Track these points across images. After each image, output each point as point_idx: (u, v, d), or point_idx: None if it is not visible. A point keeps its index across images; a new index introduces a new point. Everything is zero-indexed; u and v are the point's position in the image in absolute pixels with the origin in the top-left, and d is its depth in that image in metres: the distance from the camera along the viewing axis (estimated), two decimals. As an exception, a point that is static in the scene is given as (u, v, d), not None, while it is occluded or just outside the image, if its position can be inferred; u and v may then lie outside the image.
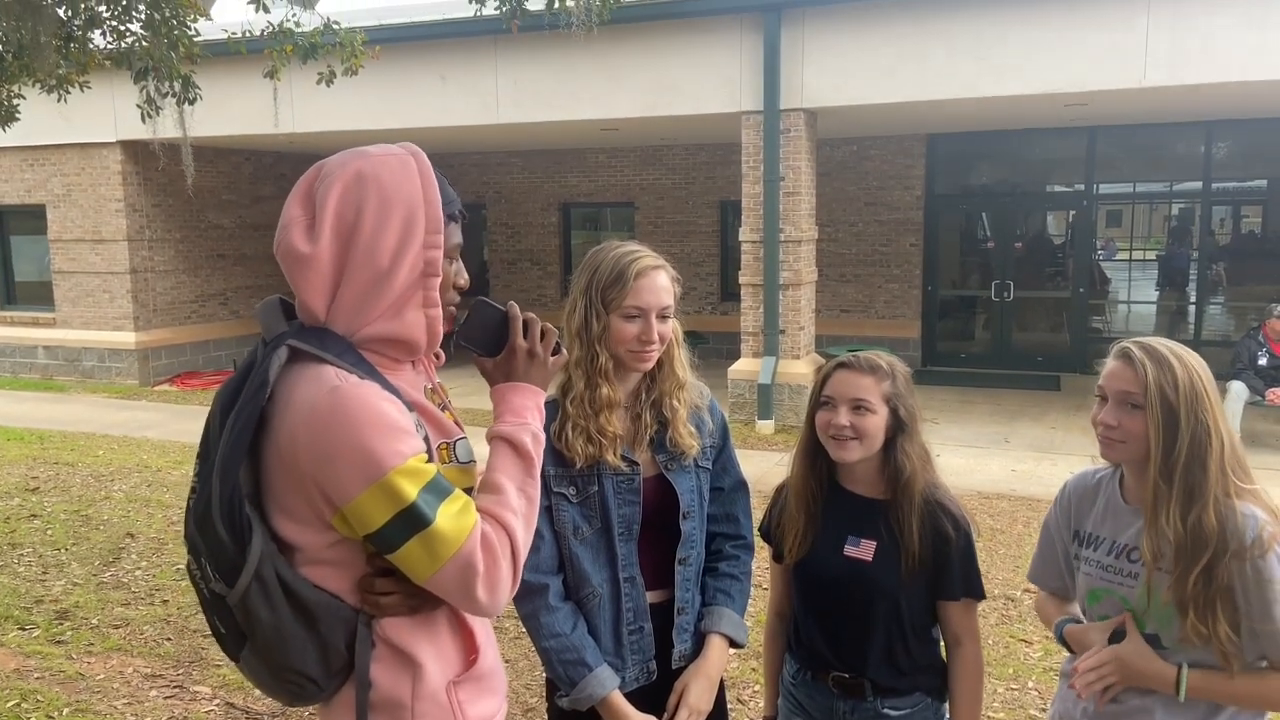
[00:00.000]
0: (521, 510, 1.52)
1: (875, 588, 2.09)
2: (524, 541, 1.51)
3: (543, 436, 1.61)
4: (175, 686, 4.21)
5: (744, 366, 9.86)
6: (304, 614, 1.44)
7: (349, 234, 1.46)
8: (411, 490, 1.39)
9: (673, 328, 2.12)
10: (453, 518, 1.42)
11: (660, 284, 2.05)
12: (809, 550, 2.17)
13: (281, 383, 1.44)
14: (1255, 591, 1.73)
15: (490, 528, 1.47)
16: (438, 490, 1.43)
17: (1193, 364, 1.83)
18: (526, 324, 1.62)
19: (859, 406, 2.07)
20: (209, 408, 1.53)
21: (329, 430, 1.38)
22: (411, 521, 1.39)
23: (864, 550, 2.11)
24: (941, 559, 2.08)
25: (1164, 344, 1.86)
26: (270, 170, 14.30)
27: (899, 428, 2.10)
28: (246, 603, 1.42)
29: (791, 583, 2.26)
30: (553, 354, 1.65)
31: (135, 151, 12.38)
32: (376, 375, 1.48)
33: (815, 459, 2.18)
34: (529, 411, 1.60)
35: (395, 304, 1.49)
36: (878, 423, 2.08)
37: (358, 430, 1.38)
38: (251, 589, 1.41)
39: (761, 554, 2.51)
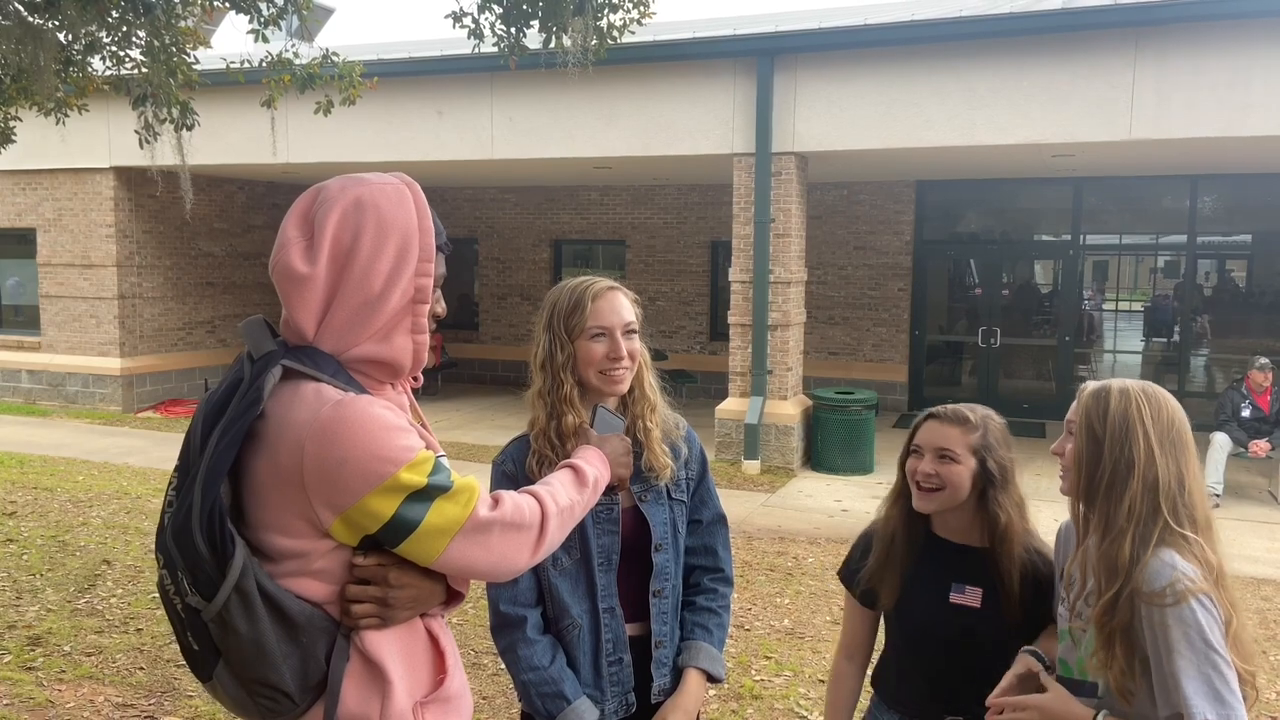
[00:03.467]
0: (561, 501, 1.64)
1: (984, 634, 2.09)
2: (554, 524, 1.62)
3: (604, 481, 1.80)
4: (147, 716, 4.14)
5: (731, 406, 9.86)
6: (287, 625, 1.45)
7: (345, 258, 1.51)
8: (420, 477, 1.47)
9: (640, 351, 2.13)
10: (462, 480, 1.53)
11: (619, 303, 2.09)
12: (909, 596, 2.18)
13: (274, 401, 1.47)
14: (1162, 639, 1.68)
15: (523, 499, 1.59)
16: (444, 469, 1.52)
17: (1140, 398, 1.79)
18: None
19: (944, 456, 2.11)
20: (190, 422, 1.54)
21: (338, 437, 1.42)
22: (428, 493, 1.47)
23: (970, 597, 2.13)
24: (1043, 608, 2.09)
25: (1121, 381, 1.85)
26: (263, 200, 14.34)
27: (988, 479, 2.12)
28: (225, 616, 1.42)
29: (892, 631, 2.26)
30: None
31: (128, 177, 12.40)
32: (367, 393, 1.53)
33: (905, 503, 2.22)
34: (595, 459, 1.81)
35: (384, 328, 1.54)
36: (962, 473, 2.11)
37: (369, 434, 1.44)
38: (231, 601, 1.41)
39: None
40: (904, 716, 2.23)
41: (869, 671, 2.43)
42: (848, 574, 2.36)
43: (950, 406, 2.18)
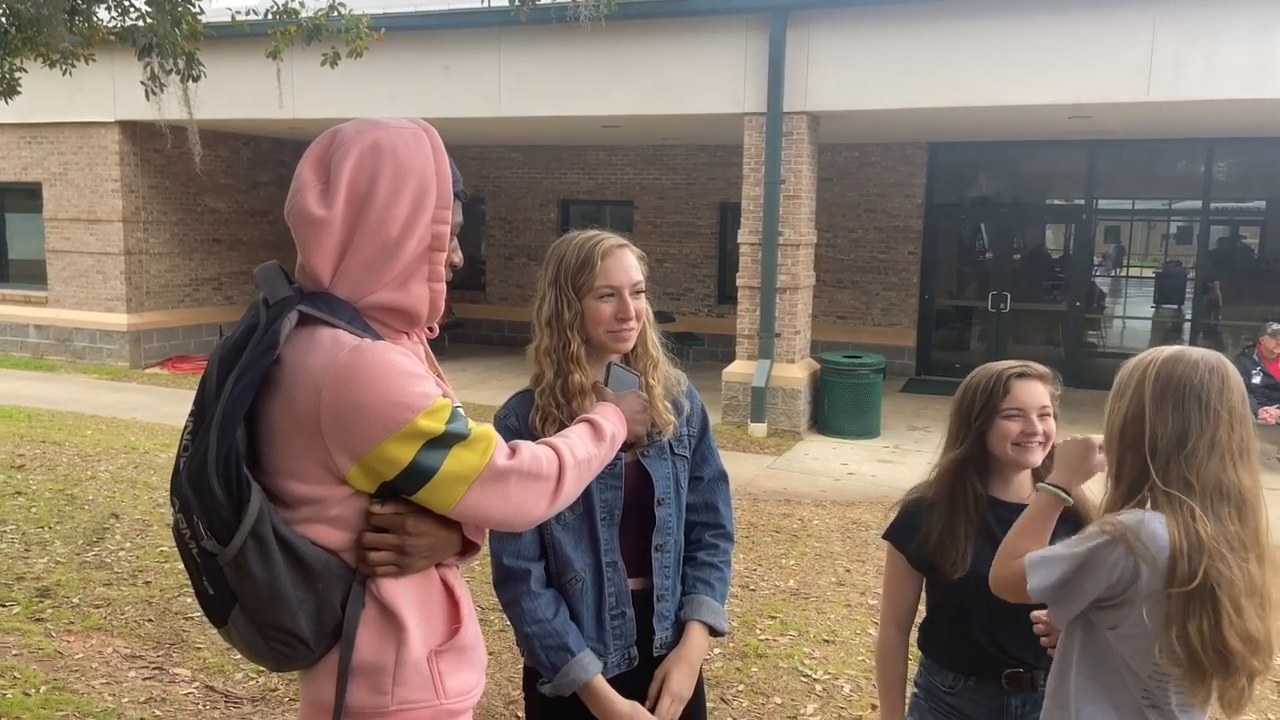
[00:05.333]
0: (578, 454, 1.63)
1: None
2: (572, 476, 1.61)
3: (621, 437, 1.80)
4: (155, 668, 4.17)
5: (738, 369, 9.84)
6: (303, 571, 1.45)
7: (362, 202, 1.49)
8: (438, 424, 1.46)
9: (645, 309, 2.12)
10: (480, 429, 1.53)
11: (628, 261, 2.08)
12: (975, 559, 2.16)
13: (290, 346, 1.46)
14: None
15: (541, 449, 1.58)
16: (461, 417, 1.51)
17: (1157, 359, 1.75)
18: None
19: (1044, 413, 2.16)
20: (205, 368, 1.53)
21: (355, 383, 1.41)
22: (445, 440, 1.46)
23: None
24: None
25: (1167, 348, 1.80)
26: (269, 156, 14.25)
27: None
28: (240, 560, 1.41)
29: (948, 594, 2.23)
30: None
31: (134, 132, 12.33)
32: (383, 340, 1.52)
33: (971, 470, 2.21)
34: (613, 415, 1.81)
35: (401, 275, 1.52)
36: (1054, 426, 2.19)
37: (386, 380, 1.43)
38: (247, 546, 1.41)
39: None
40: (961, 675, 2.22)
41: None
42: (901, 539, 2.29)
43: (1032, 364, 2.22)
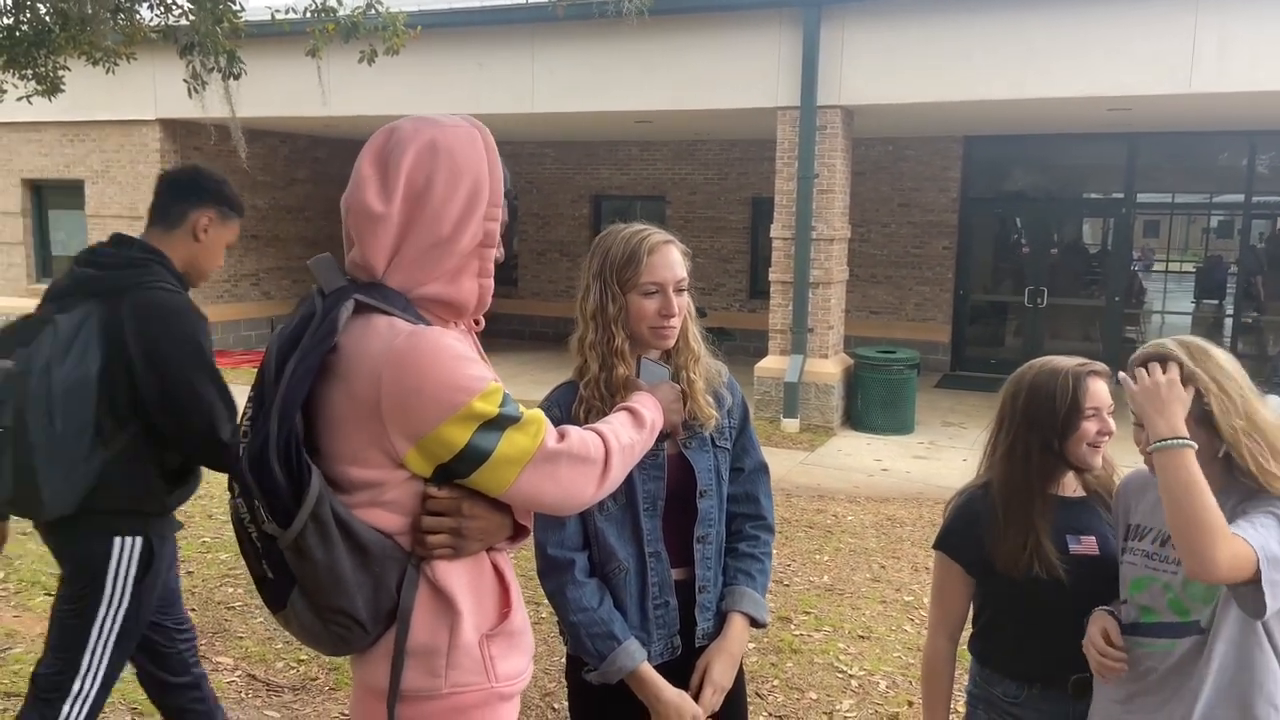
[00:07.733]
0: (623, 439, 1.67)
1: (1108, 578, 2.07)
2: (618, 460, 1.65)
3: (659, 425, 1.82)
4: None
5: (771, 364, 9.81)
6: (361, 553, 1.49)
7: (418, 198, 1.55)
8: (492, 407, 1.50)
9: (687, 304, 2.13)
10: (530, 412, 1.57)
11: (674, 258, 2.08)
12: (1041, 557, 2.09)
13: (346, 334, 1.50)
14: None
15: (588, 434, 1.62)
16: (511, 401, 1.55)
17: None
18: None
19: (1111, 411, 2.13)
20: (263, 353, 1.57)
21: (414, 367, 1.46)
22: (499, 423, 1.50)
23: (1087, 546, 2.11)
24: None
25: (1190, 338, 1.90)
26: (306, 154, 14.38)
27: None
28: (301, 543, 1.45)
29: (1011, 598, 2.15)
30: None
31: (174, 130, 12.51)
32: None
33: (1045, 470, 2.13)
34: (650, 404, 1.84)
35: (453, 270, 1.57)
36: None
37: (443, 363, 1.47)
38: (307, 529, 1.44)
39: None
40: (1025, 684, 2.15)
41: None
42: (954, 546, 2.22)
43: (1091, 361, 2.17)
